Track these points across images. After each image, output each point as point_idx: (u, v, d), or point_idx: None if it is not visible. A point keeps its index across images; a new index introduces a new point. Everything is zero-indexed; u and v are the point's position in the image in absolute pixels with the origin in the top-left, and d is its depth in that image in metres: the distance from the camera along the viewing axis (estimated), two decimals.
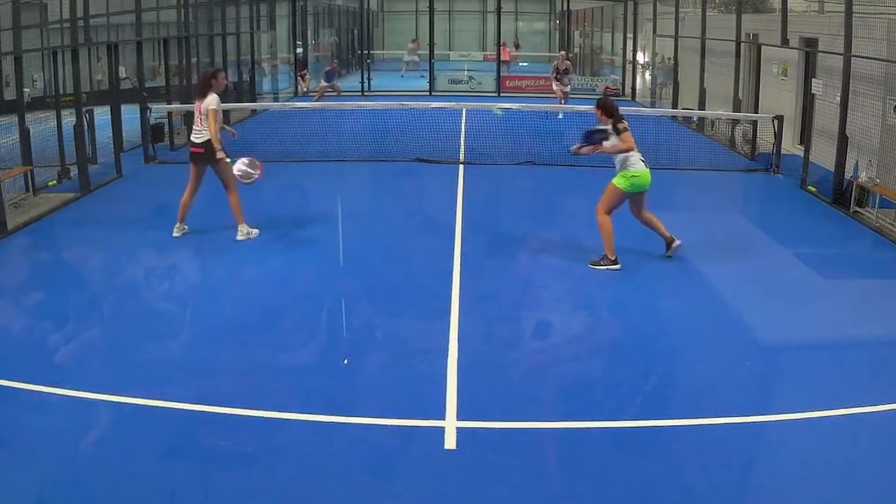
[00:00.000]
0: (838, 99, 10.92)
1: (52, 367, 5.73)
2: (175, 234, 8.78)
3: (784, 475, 4.53)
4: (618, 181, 7.90)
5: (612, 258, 7.93)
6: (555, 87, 19.53)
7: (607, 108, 7.92)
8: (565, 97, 19.18)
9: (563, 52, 20.98)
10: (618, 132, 7.77)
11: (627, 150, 7.78)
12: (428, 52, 26.46)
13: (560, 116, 17.76)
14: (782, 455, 4.75)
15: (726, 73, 15.94)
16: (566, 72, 19.34)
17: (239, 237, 8.65)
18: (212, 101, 8.44)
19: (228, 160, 8.52)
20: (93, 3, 12.47)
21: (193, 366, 5.85)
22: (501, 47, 28.29)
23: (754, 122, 14.02)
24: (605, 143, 7.91)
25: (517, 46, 35.24)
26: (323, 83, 23.82)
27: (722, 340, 6.43)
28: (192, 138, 8.74)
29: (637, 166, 7.85)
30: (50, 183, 11.18)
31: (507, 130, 15.32)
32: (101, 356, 6.02)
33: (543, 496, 4.35)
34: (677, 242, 8.16)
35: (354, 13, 34.00)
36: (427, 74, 25.92)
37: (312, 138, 14.46)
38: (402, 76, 30.40)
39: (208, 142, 8.46)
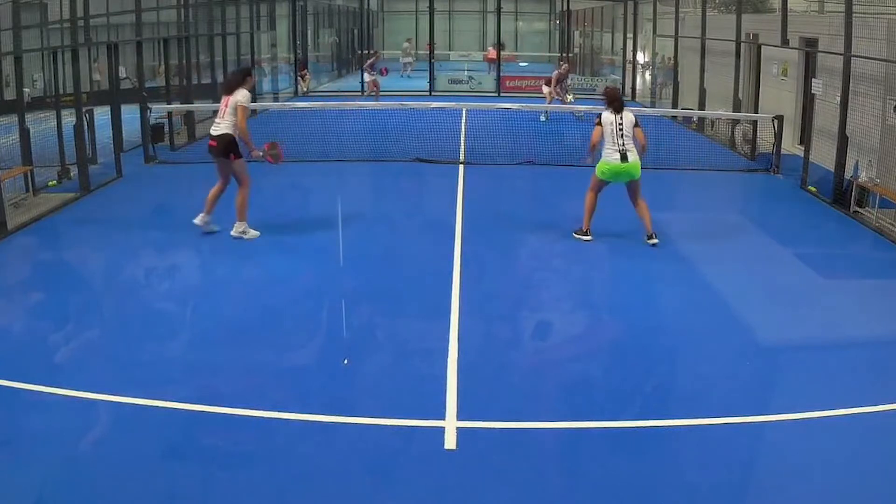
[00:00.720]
0: (838, 99, 10.92)
1: (52, 367, 5.73)
2: (196, 221, 8.70)
3: (784, 475, 4.54)
4: (597, 166, 8.60)
5: (584, 230, 8.66)
6: (545, 90, 19.18)
7: (605, 95, 8.86)
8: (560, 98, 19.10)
9: (566, 66, 20.53)
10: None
11: (592, 143, 8.56)
12: (426, 51, 26.44)
13: (543, 119, 17.73)
14: (782, 455, 4.75)
15: (726, 73, 15.94)
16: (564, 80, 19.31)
17: (233, 233, 8.64)
18: (242, 97, 8.49)
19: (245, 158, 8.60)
20: (93, 3, 12.46)
21: (193, 366, 5.86)
22: (493, 48, 29.05)
23: (754, 122, 14.02)
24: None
25: (502, 47, 34.72)
26: (368, 77, 23.02)
27: (722, 340, 6.43)
28: (210, 131, 8.75)
29: (608, 157, 8.43)
30: (50, 183, 11.18)
31: (507, 130, 15.32)
32: (101, 356, 6.02)
33: (543, 496, 4.35)
34: (654, 241, 8.53)
35: (354, 13, 34.01)
36: (426, 74, 25.89)
37: (312, 138, 14.45)
38: (405, 76, 30.16)
39: (223, 136, 8.46)
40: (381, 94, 22.53)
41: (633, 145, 8.40)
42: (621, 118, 8.37)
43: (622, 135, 8.33)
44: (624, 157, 8.32)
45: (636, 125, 8.46)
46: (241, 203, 8.65)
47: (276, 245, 8.62)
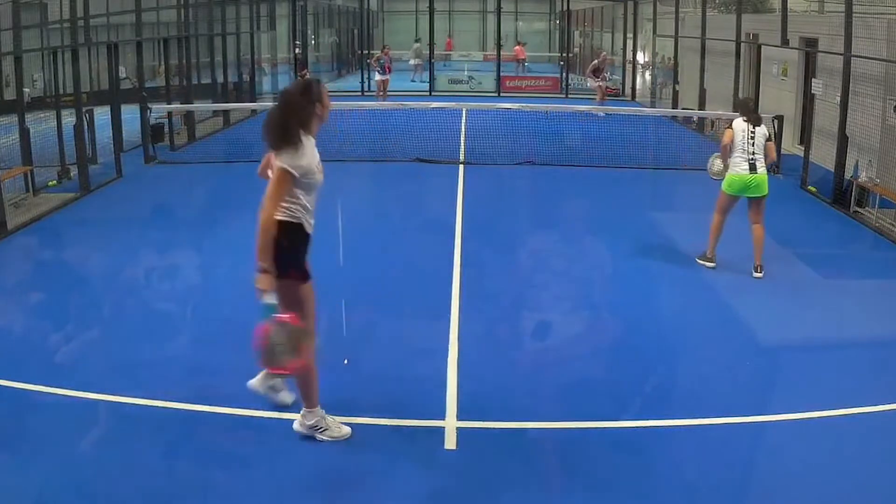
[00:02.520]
0: (838, 99, 10.93)
1: (52, 367, 5.72)
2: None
3: (784, 475, 4.54)
4: (724, 180, 8.11)
5: (708, 255, 8.11)
6: (595, 84, 20.79)
7: (738, 106, 8.37)
8: (602, 95, 20.52)
9: (604, 54, 22.61)
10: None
11: (723, 146, 8.06)
12: (428, 52, 26.44)
13: (602, 115, 17.28)
14: (782, 455, 4.75)
15: (726, 73, 15.94)
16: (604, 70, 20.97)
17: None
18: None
19: None
20: (93, 3, 12.46)
21: (193, 366, 5.85)
22: (520, 45, 31.23)
23: None
24: None
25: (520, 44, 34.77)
26: (379, 76, 22.25)
27: (722, 340, 6.43)
28: None
29: (736, 167, 7.91)
30: (50, 183, 11.18)
31: (507, 130, 15.32)
32: (102, 356, 6.01)
33: (543, 496, 4.35)
34: (759, 274, 7.86)
35: (354, 13, 33.97)
36: (426, 75, 25.84)
37: None
38: (415, 80, 29.50)
39: None
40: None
41: (762, 158, 7.90)
42: (753, 128, 7.89)
43: (753, 143, 7.86)
44: (753, 168, 7.82)
45: (769, 139, 8.03)
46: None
47: None
